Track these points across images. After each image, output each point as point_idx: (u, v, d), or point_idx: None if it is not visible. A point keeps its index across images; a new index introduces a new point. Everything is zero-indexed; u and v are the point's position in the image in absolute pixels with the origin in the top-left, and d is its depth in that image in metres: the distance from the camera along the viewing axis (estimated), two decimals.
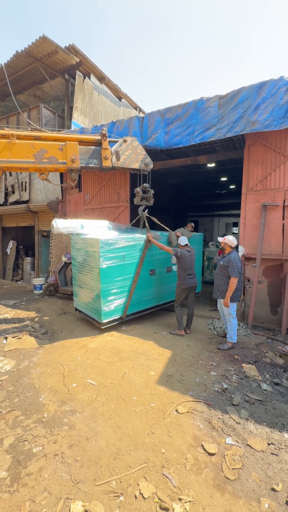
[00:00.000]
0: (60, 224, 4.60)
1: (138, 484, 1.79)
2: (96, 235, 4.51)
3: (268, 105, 4.16)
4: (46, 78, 8.13)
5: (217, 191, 12.97)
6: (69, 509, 1.62)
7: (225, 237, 4.00)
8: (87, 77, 8.32)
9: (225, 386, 2.94)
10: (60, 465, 1.93)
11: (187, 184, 11.42)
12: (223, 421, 2.40)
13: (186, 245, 4.44)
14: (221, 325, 4.73)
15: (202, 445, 2.12)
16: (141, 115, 5.63)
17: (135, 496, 1.71)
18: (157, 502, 1.67)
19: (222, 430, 2.29)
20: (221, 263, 3.93)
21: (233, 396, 2.77)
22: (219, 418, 2.44)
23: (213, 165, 7.80)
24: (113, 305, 4.43)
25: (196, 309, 5.80)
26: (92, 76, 8.48)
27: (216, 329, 4.61)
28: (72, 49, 7.43)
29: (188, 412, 2.51)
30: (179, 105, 5.12)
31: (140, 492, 1.73)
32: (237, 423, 2.39)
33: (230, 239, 3.92)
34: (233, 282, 3.74)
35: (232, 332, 3.88)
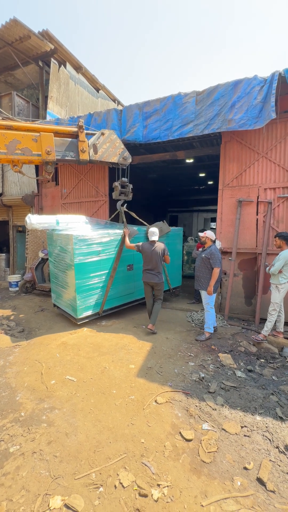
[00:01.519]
0: (34, 220, 4.44)
1: (117, 474, 1.82)
2: (71, 231, 4.43)
3: (243, 104, 4.28)
4: (18, 64, 7.69)
5: (195, 186, 13.19)
6: (48, 505, 1.61)
7: (205, 231, 4.21)
8: (62, 66, 7.99)
9: (202, 375, 3.05)
10: (39, 462, 1.91)
11: (167, 180, 11.49)
12: (200, 408, 2.50)
13: (154, 240, 4.32)
14: (199, 317, 4.88)
15: (180, 432, 2.20)
16: (120, 108, 5.54)
17: (115, 486, 1.74)
18: (136, 489, 1.72)
19: (199, 417, 2.39)
20: (203, 255, 4.07)
21: (209, 384, 2.89)
22: (196, 406, 2.54)
23: (191, 161, 7.91)
24: (89, 300, 4.40)
25: (175, 302, 5.93)
26: (68, 65, 8.16)
27: (195, 321, 4.75)
28: (46, 35, 7.08)
29: (167, 402, 2.58)
30: (157, 99, 5.11)
31: (120, 482, 1.76)
32: (213, 409, 2.50)
33: (210, 233, 4.17)
34: (216, 272, 3.94)
35: (209, 322, 4.03)
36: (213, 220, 15.48)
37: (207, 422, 2.34)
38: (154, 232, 4.35)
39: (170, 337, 4.06)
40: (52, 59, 7.60)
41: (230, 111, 4.38)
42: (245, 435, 2.19)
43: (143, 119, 5.29)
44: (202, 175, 10.48)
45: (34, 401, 2.57)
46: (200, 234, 4.25)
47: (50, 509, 1.58)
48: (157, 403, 2.56)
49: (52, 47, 7.31)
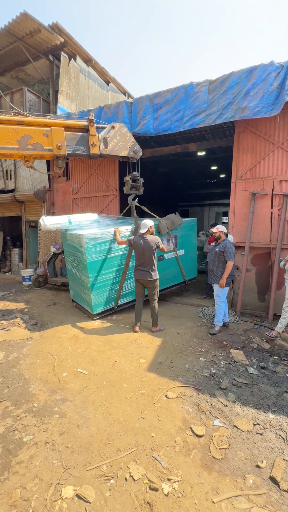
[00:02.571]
0: (48, 221, 4.50)
1: (128, 467, 1.83)
2: (83, 229, 4.46)
3: (258, 91, 4.10)
4: (29, 59, 7.70)
5: (207, 180, 12.93)
6: (60, 494, 1.64)
7: (217, 226, 4.18)
8: (72, 59, 7.94)
9: (214, 371, 3.02)
10: (51, 453, 1.95)
11: (178, 173, 11.31)
12: (211, 404, 2.47)
13: (146, 233, 4.01)
14: (211, 312, 4.82)
15: (190, 428, 2.18)
16: (130, 100, 5.45)
17: (126, 479, 1.75)
18: (147, 483, 1.72)
19: (210, 413, 2.36)
20: (217, 249, 4.05)
21: (221, 380, 2.85)
22: (207, 402, 2.51)
23: (203, 153, 7.73)
24: (104, 296, 4.44)
25: (186, 297, 5.88)
26: (78, 58, 8.10)
27: (206, 317, 4.69)
28: (56, 28, 7.03)
29: (177, 397, 2.56)
30: (168, 90, 4.98)
31: (131, 475, 1.77)
32: (224, 405, 2.46)
33: (223, 227, 4.16)
34: (230, 265, 3.93)
35: (220, 316, 4.05)
36: (225, 214, 15.17)
37: (218, 418, 2.31)
38: (145, 224, 4.03)
39: (180, 332, 4.03)
40: (62, 53, 7.56)
41: (244, 98, 4.21)
42: (257, 433, 2.15)
43: (154, 110, 5.19)
44: (214, 168, 10.24)
45: (46, 392, 2.63)
46: (213, 229, 4.21)
47: (62, 498, 1.61)
48: (168, 398, 2.55)
49: (62, 40, 7.25)
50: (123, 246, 4.60)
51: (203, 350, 3.52)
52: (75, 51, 7.96)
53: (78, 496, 1.63)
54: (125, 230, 4.66)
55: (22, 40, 7.18)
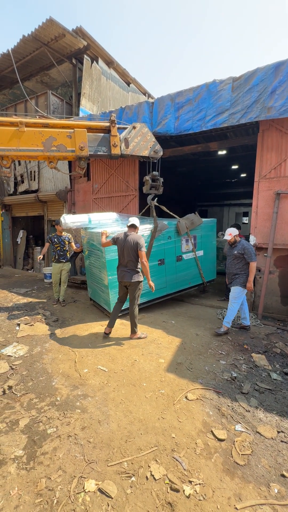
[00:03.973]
0: (68, 220, 4.61)
1: (149, 466, 1.84)
2: (103, 228, 4.51)
3: (285, 89, 3.95)
4: (53, 63, 7.94)
5: (227, 179, 12.65)
6: (83, 487, 1.68)
7: (229, 231, 3.98)
8: (95, 62, 8.08)
9: (235, 374, 2.95)
10: (74, 446, 2.00)
11: (197, 173, 11.17)
12: (232, 409, 2.42)
13: (131, 227, 3.71)
14: None
15: (211, 431, 2.15)
16: (150, 100, 5.46)
17: (146, 477, 1.76)
18: (167, 483, 1.72)
19: (232, 417, 2.31)
20: (235, 252, 3.93)
21: (242, 384, 2.78)
22: (228, 406, 2.46)
23: (223, 152, 7.57)
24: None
25: (204, 298, 5.79)
26: (100, 60, 8.23)
27: None
28: (79, 32, 7.19)
29: (197, 399, 2.54)
30: (190, 89, 4.93)
31: (151, 474, 1.78)
32: (246, 411, 2.40)
33: (235, 231, 3.98)
34: (254, 266, 3.82)
35: (230, 317, 3.93)
36: (245, 214, 14.76)
37: (240, 423, 2.25)
38: (131, 220, 3.75)
39: (200, 334, 3.98)
40: (85, 56, 7.71)
41: (270, 97, 4.07)
42: (282, 441, 2.08)
43: (175, 110, 5.16)
44: (234, 167, 10.00)
45: (68, 387, 2.70)
46: (227, 237, 3.95)
47: (85, 492, 1.65)
48: (188, 399, 2.53)
49: (85, 43, 7.41)
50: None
51: (223, 352, 3.45)
52: (97, 53, 8.10)
53: (100, 490, 1.66)
54: (144, 229, 4.67)
55: (47, 45, 7.42)
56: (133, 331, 3.78)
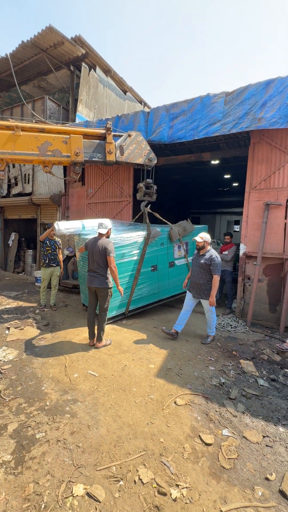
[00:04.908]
0: (62, 226, 4.55)
1: (137, 470, 1.86)
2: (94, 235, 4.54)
3: (275, 103, 4.15)
4: (51, 69, 8.04)
5: (219, 188, 12.94)
6: (71, 491, 1.69)
7: (201, 234, 3.85)
8: (92, 69, 8.23)
9: (223, 380, 3.01)
10: (63, 451, 2.00)
11: (190, 181, 11.38)
12: (220, 414, 2.47)
13: (101, 234, 3.67)
14: (220, 321, 4.80)
15: (199, 436, 2.19)
16: (146, 109, 5.61)
17: (135, 481, 1.78)
18: (155, 487, 1.75)
19: (219, 422, 2.36)
20: (202, 261, 3.78)
21: (230, 390, 2.84)
22: (216, 411, 2.51)
23: (216, 162, 7.78)
24: (115, 302, 4.49)
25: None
26: (97, 69, 8.38)
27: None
28: (78, 40, 7.33)
29: (186, 404, 2.58)
30: (185, 100, 5.10)
31: (139, 478, 1.80)
32: (233, 416, 2.46)
33: (207, 236, 3.88)
34: (217, 280, 3.71)
35: (213, 327, 4.02)
36: (237, 222, 15.08)
37: (227, 428, 2.30)
38: (101, 224, 3.70)
39: (190, 340, 4.04)
40: (83, 63, 7.85)
41: (260, 109, 4.26)
42: (267, 445, 2.14)
43: (170, 120, 5.31)
44: (226, 176, 10.26)
45: (58, 392, 2.69)
46: (197, 239, 3.83)
47: (73, 496, 1.66)
48: (177, 404, 2.57)
49: (84, 52, 7.55)
50: (136, 251, 4.68)
51: (212, 358, 3.52)
52: (95, 62, 8.25)
53: (88, 494, 1.67)
54: (137, 236, 4.74)
55: (45, 51, 7.52)
56: (100, 339, 3.65)
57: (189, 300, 4.07)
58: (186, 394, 2.73)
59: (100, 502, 1.63)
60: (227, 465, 1.94)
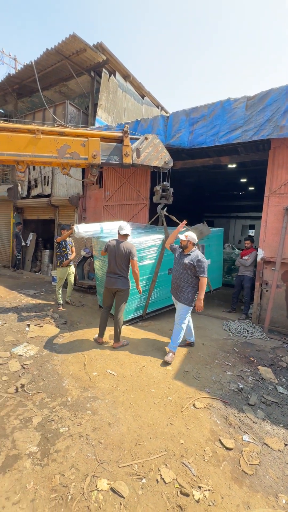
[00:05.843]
0: (81, 229, 4.64)
1: (159, 470, 1.88)
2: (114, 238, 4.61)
3: None
4: (73, 75, 8.29)
5: (235, 192, 12.81)
6: (96, 486, 1.74)
7: (186, 234, 3.49)
8: (112, 75, 8.41)
9: (241, 386, 2.98)
10: (85, 446, 2.06)
11: (205, 184, 11.34)
12: (239, 419, 2.46)
13: (124, 235, 3.70)
14: (237, 326, 4.75)
15: (219, 440, 2.19)
16: (163, 113, 5.68)
17: (157, 480, 1.80)
18: (177, 487, 1.76)
19: (239, 428, 2.35)
20: (186, 261, 3.39)
21: (249, 396, 2.81)
22: (235, 416, 2.50)
23: (233, 165, 7.73)
24: (133, 304, 4.53)
25: (210, 309, 5.83)
26: (117, 74, 8.56)
27: (232, 331, 4.63)
28: (100, 47, 7.53)
29: (205, 407, 2.58)
30: (205, 105, 5.12)
31: (162, 477, 1.82)
32: (253, 422, 2.44)
33: (193, 236, 3.50)
34: (205, 282, 3.36)
35: (177, 340, 3.45)
36: (252, 227, 14.84)
37: (247, 434, 2.29)
38: (122, 227, 3.71)
39: (206, 344, 4.02)
40: (103, 69, 8.04)
41: (282, 117, 4.22)
42: None
43: (189, 124, 5.34)
44: (243, 180, 10.16)
45: (78, 389, 2.76)
46: (181, 236, 3.51)
47: (98, 490, 1.71)
48: (195, 407, 2.57)
49: (105, 58, 7.74)
50: (153, 255, 4.72)
51: (229, 364, 3.49)
52: (115, 67, 8.44)
53: (112, 490, 1.71)
54: (155, 239, 4.77)
55: (68, 58, 7.77)
56: (117, 339, 3.72)
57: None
58: (205, 397, 2.73)
59: (124, 498, 1.67)
60: (249, 471, 1.93)
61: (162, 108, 11.63)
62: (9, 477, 1.77)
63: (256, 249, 5.40)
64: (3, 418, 2.31)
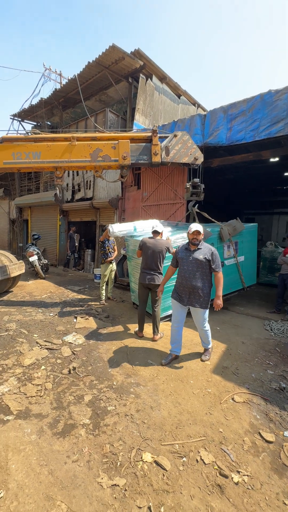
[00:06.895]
0: (116, 228, 4.87)
1: (198, 452, 2.02)
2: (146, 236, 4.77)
3: None
4: (112, 83, 8.73)
5: (278, 186, 12.05)
6: (141, 457, 1.94)
7: (193, 226, 3.09)
8: (149, 79, 8.64)
9: (283, 385, 2.93)
10: (131, 424, 2.28)
11: (244, 180, 10.90)
12: (280, 416, 2.44)
13: (157, 233, 3.86)
14: (280, 327, 4.58)
15: (259, 433, 2.23)
16: (200, 111, 5.70)
17: (197, 460, 1.94)
18: (216, 469, 1.88)
19: (280, 424, 2.35)
20: (201, 257, 3.00)
21: None
22: (276, 413, 2.49)
23: (276, 159, 7.34)
24: (167, 302, 4.67)
25: (250, 308, 5.67)
26: (154, 77, 8.77)
27: (274, 331, 4.48)
28: (137, 54, 7.81)
29: (244, 402, 2.62)
30: (244, 100, 5.03)
31: (201, 458, 1.95)
32: None
33: (203, 228, 3.12)
34: (221, 276, 3.08)
35: (209, 339, 3.41)
36: None
37: None
38: (155, 224, 3.92)
39: (246, 342, 3.98)
40: (140, 74, 8.32)
41: None
42: None
43: (228, 121, 5.29)
44: (287, 174, 9.54)
45: (122, 375, 3.02)
46: (193, 229, 3.09)
47: (143, 461, 1.91)
48: (234, 401, 2.63)
49: (142, 63, 8.00)
50: None
51: (270, 363, 3.42)
52: (152, 71, 8.65)
53: (156, 462, 1.90)
54: (181, 237, 4.80)
55: (108, 68, 8.22)
56: (156, 332, 3.96)
57: (181, 312, 3.29)
58: (244, 393, 2.76)
59: (166, 470, 1.84)
60: None
61: (199, 106, 11.49)
62: (68, 441, 2.08)
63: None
64: (60, 393, 2.67)
